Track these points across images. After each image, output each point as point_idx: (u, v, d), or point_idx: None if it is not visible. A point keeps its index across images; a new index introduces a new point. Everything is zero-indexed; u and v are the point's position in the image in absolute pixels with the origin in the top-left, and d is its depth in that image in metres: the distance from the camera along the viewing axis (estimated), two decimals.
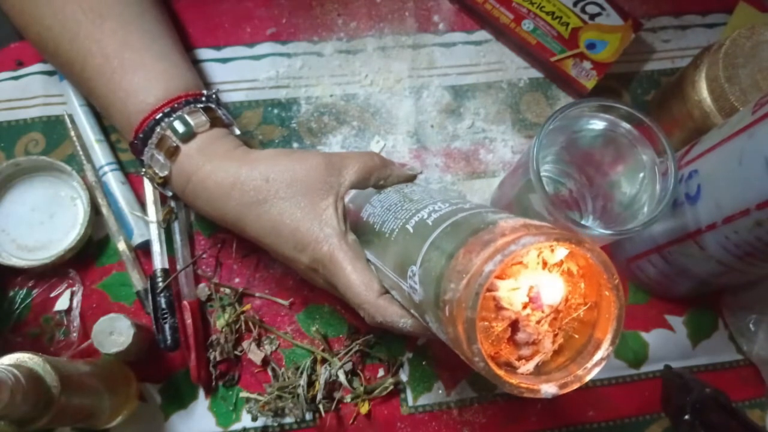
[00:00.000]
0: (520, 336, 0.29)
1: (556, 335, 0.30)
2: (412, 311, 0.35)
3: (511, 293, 0.28)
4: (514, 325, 0.29)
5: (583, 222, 0.43)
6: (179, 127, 0.43)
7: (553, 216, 0.40)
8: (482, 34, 0.60)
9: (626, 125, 0.44)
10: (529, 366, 0.29)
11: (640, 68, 0.60)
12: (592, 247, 0.27)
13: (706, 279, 0.48)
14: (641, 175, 0.44)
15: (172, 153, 0.43)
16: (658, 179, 0.42)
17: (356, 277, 0.38)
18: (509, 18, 0.57)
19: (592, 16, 0.57)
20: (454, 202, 0.34)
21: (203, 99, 0.46)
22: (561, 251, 0.28)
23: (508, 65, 0.59)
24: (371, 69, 0.58)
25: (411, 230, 0.34)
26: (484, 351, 0.26)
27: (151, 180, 0.45)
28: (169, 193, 0.46)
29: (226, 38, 0.58)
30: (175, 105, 0.44)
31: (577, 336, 0.29)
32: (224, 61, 0.57)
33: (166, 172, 0.43)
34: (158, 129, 0.43)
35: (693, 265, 0.47)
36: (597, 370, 0.28)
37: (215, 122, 0.44)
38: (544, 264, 0.29)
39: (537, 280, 0.28)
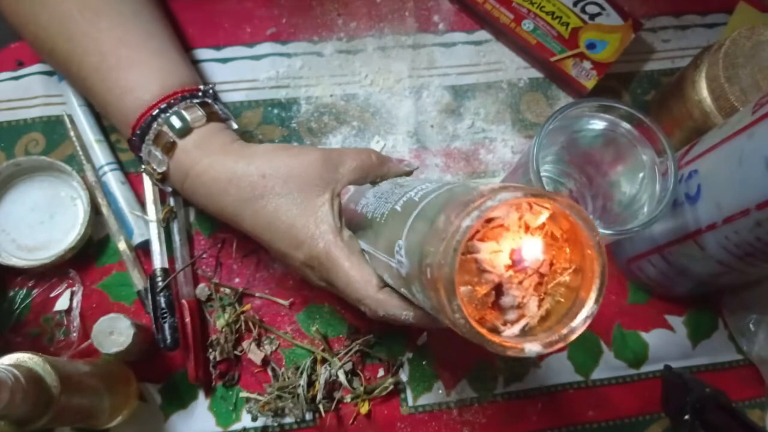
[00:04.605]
0: (505, 300, 0.29)
1: (542, 299, 0.29)
2: (402, 290, 0.35)
3: (493, 255, 0.28)
4: (499, 290, 0.29)
5: None
6: (175, 123, 0.43)
7: None
8: (482, 34, 0.60)
9: (626, 125, 0.44)
10: (515, 329, 0.29)
11: (640, 68, 0.60)
12: (570, 203, 0.27)
13: (706, 279, 0.48)
14: (641, 175, 0.44)
15: (169, 148, 0.43)
16: (658, 179, 0.42)
17: (355, 273, 0.38)
18: (509, 18, 0.57)
19: (592, 16, 0.57)
20: (445, 181, 0.34)
21: (199, 94, 0.46)
22: (543, 214, 0.28)
23: (508, 65, 0.59)
24: (371, 69, 0.58)
25: (399, 209, 0.34)
26: (464, 308, 0.26)
27: (150, 176, 0.45)
28: (169, 189, 0.46)
29: (226, 38, 0.58)
30: (171, 101, 0.44)
31: (563, 300, 0.29)
32: (224, 61, 0.57)
33: (164, 168, 0.43)
34: (155, 125, 0.43)
35: (693, 266, 0.47)
36: (582, 329, 0.28)
37: (212, 117, 0.44)
38: (527, 228, 0.29)
39: (518, 242, 0.28)
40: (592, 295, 0.28)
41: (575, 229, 0.28)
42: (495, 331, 0.29)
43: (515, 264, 0.28)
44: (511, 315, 0.29)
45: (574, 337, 0.28)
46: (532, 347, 0.27)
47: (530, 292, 0.29)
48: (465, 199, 0.27)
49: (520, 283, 0.29)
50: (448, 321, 0.27)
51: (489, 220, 0.28)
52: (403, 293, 0.36)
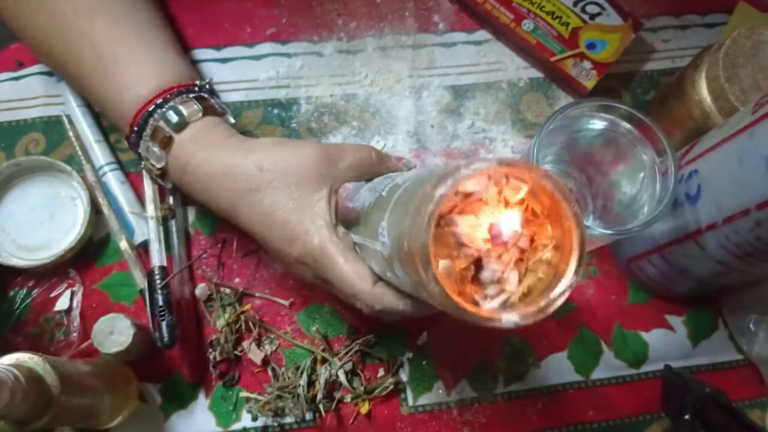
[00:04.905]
0: (485, 274, 0.29)
1: (523, 276, 0.29)
2: (387, 274, 0.35)
3: (471, 229, 0.28)
4: (478, 265, 0.29)
5: None
6: (171, 117, 0.43)
7: None
8: (482, 34, 0.60)
9: (626, 125, 0.44)
10: (494, 303, 0.29)
11: (640, 68, 0.60)
12: (546, 173, 0.27)
13: (706, 279, 0.48)
14: (641, 174, 0.44)
15: (166, 144, 0.43)
16: (659, 179, 0.42)
17: (349, 269, 0.38)
18: (509, 18, 0.57)
19: (592, 16, 0.57)
20: (432, 168, 0.35)
21: (196, 89, 0.46)
22: (522, 189, 0.28)
23: (508, 65, 0.59)
24: (371, 69, 0.58)
25: (385, 195, 0.35)
26: (440, 278, 0.26)
27: (150, 173, 0.45)
28: (169, 185, 0.46)
29: (226, 38, 0.58)
30: (167, 96, 0.44)
31: (544, 277, 0.29)
32: (224, 61, 0.57)
33: (162, 164, 0.43)
34: (151, 121, 0.43)
35: (693, 265, 0.47)
36: (560, 301, 0.28)
37: (208, 111, 0.44)
38: (507, 204, 0.29)
39: (497, 216, 0.28)
40: (571, 267, 0.28)
41: (555, 203, 0.28)
42: (475, 305, 0.29)
43: (494, 238, 0.28)
44: (491, 290, 0.29)
45: (552, 309, 0.28)
46: (509, 317, 0.27)
47: (510, 267, 0.29)
48: (442, 172, 0.27)
49: (499, 257, 0.29)
50: (426, 293, 0.27)
51: (468, 195, 0.28)
52: (388, 278, 0.36)
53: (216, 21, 0.58)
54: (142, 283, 0.50)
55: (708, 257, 0.45)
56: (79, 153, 0.52)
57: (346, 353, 0.50)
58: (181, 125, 0.43)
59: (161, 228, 0.51)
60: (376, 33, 0.59)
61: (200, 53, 0.57)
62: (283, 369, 0.50)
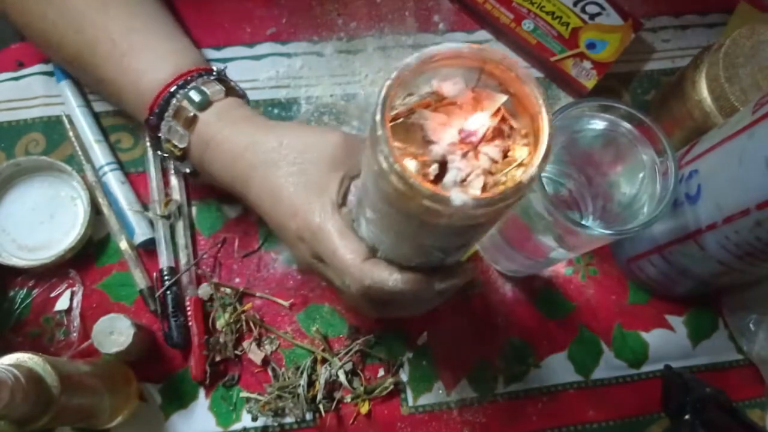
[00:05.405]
0: (449, 176, 0.28)
1: (490, 186, 0.28)
2: (368, 215, 0.34)
3: (441, 126, 0.28)
4: (444, 170, 0.28)
5: (583, 222, 0.43)
6: (195, 96, 0.43)
7: (553, 216, 0.40)
8: (482, 34, 0.60)
9: (626, 125, 0.44)
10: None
11: (640, 68, 0.60)
12: (512, 62, 0.27)
13: (706, 279, 0.48)
14: (641, 174, 0.44)
15: (190, 123, 0.43)
16: (659, 179, 0.42)
17: (344, 243, 0.38)
18: (509, 18, 0.57)
19: (592, 16, 0.57)
20: None
21: (214, 73, 0.47)
22: (501, 98, 0.28)
23: None
24: (371, 69, 0.58)
25: None
26: (391, 140, 0.26)
27: (170, 154, 0.45)
28: (187, 169, 0.46)
29: (226, 38, 0.58)
30: (188, 78, 0.45)
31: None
32: (224, 61, 0.57)
33: (185, 144, 0.44)
34: (174, 101, 0.44)
35: (693, 265, 0.47)
36: (521, 191, 0.26)
37: (230, 92, 0.45)
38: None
39: (468, 119, 0.28)
40: (538, 155, 0.27)
41: (536, 117, 0.27)
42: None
43: (462, 137, 0.28)
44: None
45: (510, 197, 0.26)
46: (460, 195, 0.26)
47: (477, 172, 0.28)
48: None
49: (465, 155, 0.28)
50: (377, 167, 0.26)
51: (443, 99, 0.28)
52: (368, 221, 0.35)
53: (216, 21, 0.58)
54: (142, 283, 0.50)
55: (708, 257, 0.45)
56: (79, 153, 0.52)
57: (346, 353, 0.50)
58: (205, 104, 0.43)
59: (168, 228, 0.51)
60: (376, 33, 0.59)
61: None
62: (283, 369, 0.50)
